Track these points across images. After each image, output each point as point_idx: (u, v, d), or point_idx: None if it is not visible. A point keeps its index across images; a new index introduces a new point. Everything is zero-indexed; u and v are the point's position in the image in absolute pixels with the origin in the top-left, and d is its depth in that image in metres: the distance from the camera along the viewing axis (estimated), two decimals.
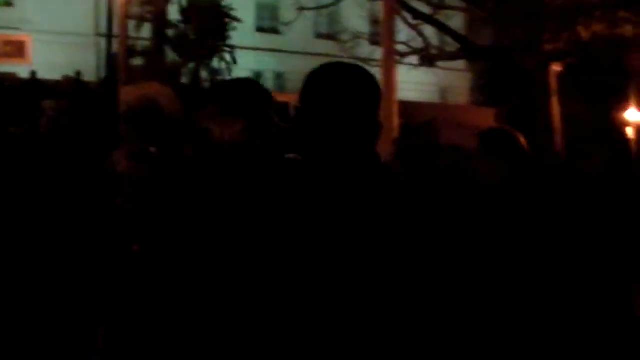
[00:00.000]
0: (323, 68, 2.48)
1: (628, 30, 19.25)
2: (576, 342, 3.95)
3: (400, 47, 20.57)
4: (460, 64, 37.57)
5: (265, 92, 3.23)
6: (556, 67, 21.54)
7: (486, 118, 25.99)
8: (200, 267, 2.91)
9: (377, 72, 22.80)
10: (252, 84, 3.25)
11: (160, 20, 22.82)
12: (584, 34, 19.50)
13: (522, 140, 4.23)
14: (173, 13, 24.59)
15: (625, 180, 7.26)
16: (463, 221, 2.43)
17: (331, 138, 2.35)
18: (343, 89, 2.39)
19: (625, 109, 28.62)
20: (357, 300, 2.19)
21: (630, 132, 29.05)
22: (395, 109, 12.34)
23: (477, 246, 2.32)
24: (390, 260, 2.22)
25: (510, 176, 4.06)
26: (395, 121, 12.20)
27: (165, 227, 3.30)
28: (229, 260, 2.50)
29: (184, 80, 23.63)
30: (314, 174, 2.36)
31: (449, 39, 26.30)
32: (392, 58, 11.17)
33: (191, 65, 24.34)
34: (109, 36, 22.08)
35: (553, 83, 21.47)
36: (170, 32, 24.20)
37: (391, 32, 10.88)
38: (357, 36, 26.76)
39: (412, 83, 27.70)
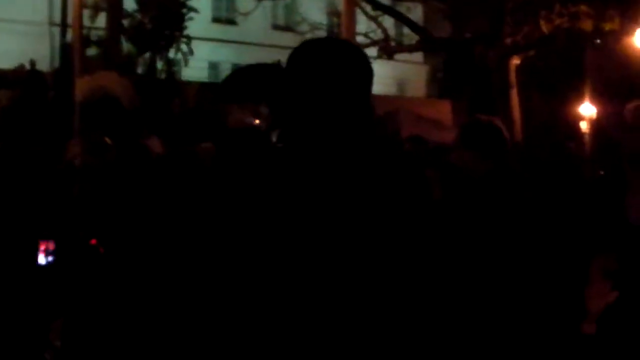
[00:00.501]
0: (309, 43, 2.28)
1: (588, 24, 19.42)
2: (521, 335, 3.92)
3: (359, 39, 20.54)
4: (417, 56, 37.70)
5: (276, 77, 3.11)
6: (515, 60, 21.72)
7: (443, 110, 26.13)
8: (177, 261, 2.80)
9: None
10: (267, 70, 3.13)
11: (115, 10, 22.48)
12: (545, 27, 19.64)
13: (505, 131, 4.17)
14: (129, 2, 24.30)
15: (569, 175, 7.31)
16: (450, 211, 2.32)
17: (318, 121, 2.13)
18: (331, 66, 2.16)
19: (580, 103, 28.94)
20: (355, 291, 2.06)
21: (584, 125, 29.40)
22: None
23: (467, 236, 2.25)
24: (387, 251, 2.08)
25: (494, 167, 4.00)
26: None
27: (128, 220, 3.20)
28: (206, 254, 2.37)
29: (140, 70, 23.40)
30: (299, 163, 2.16)
31: (407, 32, 26.35)
32: None
33: (147, 55, 24.10)
34: (63, 25, 21.76)
35: (512, 76, 21.64)
36: (125, 22, 23.90)
37: (351, 24, 10.77)
38: (315, 27, 26.67)
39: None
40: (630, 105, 4.79)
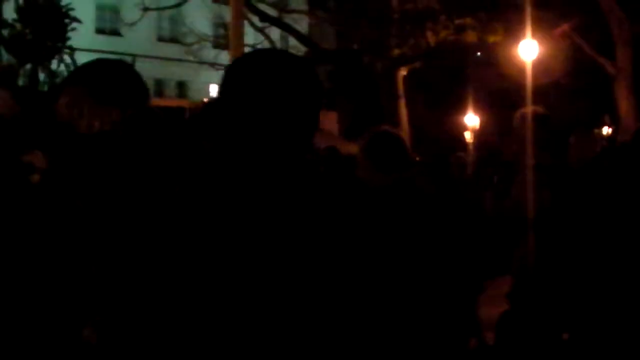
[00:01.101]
0: (256, 55, 2.18)
1: (473, 36, 19.84)
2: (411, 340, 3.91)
3: (247, 51, 20.44)
4: None
5: (141, 78, 2.88)
6: (402, 71, 22.03)
7: (330, 121, 26.31)
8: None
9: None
10: (127, 67, 2.90)
11: None
12: (431, 39, 19.99)
13: (406, 143, 4.18)
14: (9, 12, 23.63)
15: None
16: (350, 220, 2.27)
17: (266, 135, 2.04)
18: (286, 79, 2.07)
19: (464, 113, 29.60)
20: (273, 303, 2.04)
21: (468, 135, 30.08)
22: None
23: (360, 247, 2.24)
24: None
25: (393, 178, 3.99)
26: None
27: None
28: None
29: (21, 82, 22.77)
30: (233, 177, 2.07)
31: (293, 43, 26.43)
32: None
33: (28, 66, 23.48)
34: None
35: (399, 86, 21.93)
36: (5, 32, 23.24)
37: (240, 36, 10.70)
38: (202, 39, 26.47)
39: None
40: (518, 112, 5.00)
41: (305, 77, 2.12)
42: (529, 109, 4.93)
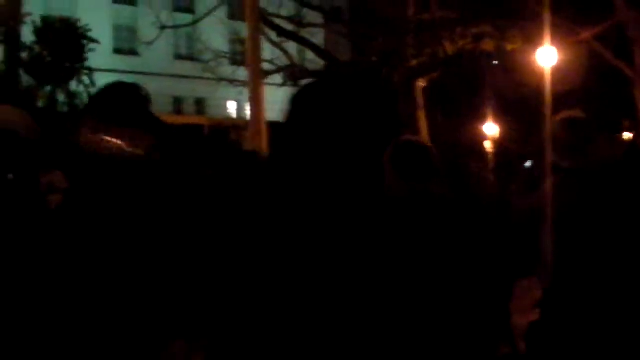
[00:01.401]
0: (327, 81, 2.29)
1: (490, 45, 19.77)
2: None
3: (265, 66, 20.44)
4: None
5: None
6: (421, 83, 21.97)
7: None
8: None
9: (243, 91, 22.67)
10: (139, 90, 2.88)
11: (13, 42, 21.98)
12: (449, 49, 19.93)
13: (433, 153, 4.16)
14: (27, 34, 23.79)
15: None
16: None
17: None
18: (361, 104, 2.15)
19: (483, 122, 29.51)
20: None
21: (488, 145, 29.98)
22: (264, 128, 12.23)
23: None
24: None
25: (417, 188, 3.96)
26: (265, 141, 12.07)
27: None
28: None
29: (41, 104, 22.88)
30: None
31: (310, 57, 26.43)
32: (258, 77, 11.00)
33: (48, 88, 23.60)
34: None
35: (419, 97, 21.87)
36: (24, 55, 23.38)
37: (257, 51, 10.72)
38: (219, 56, 26.51)
39: (278, 103, 27.67)
40: (556, 116, 4.93)
41: (377, 101, 2.22)
42: (566, 113, 4.85)
